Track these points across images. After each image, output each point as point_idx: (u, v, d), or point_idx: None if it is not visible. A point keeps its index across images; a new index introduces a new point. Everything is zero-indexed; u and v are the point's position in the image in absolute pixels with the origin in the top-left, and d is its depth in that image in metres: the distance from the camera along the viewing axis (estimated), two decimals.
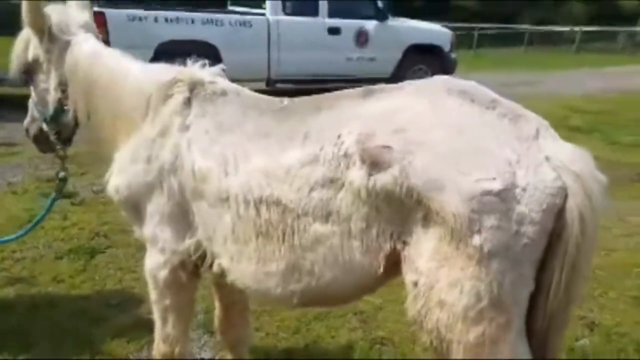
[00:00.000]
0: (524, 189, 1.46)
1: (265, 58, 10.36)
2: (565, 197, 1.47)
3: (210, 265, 2.14)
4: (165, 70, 2.26)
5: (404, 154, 1.57)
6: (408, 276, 1.66)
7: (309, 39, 10.57)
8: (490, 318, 1.52)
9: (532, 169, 1.48)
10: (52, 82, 2.38)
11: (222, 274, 2.11)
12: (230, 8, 12.04)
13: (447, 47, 11.66)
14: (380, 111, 1.70)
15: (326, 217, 1.72)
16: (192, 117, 2.08)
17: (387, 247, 1.68)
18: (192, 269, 2.21)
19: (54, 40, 2.33)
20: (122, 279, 3.91)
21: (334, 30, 10.77)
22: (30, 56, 2.39)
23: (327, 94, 1.98)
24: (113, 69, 2.29)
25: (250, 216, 1.87)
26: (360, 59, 10.93)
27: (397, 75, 11.12)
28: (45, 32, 2.30)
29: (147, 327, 3.24)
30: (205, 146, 2.01)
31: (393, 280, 1.90)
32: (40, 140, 2.59)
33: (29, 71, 2.43)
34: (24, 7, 2.27)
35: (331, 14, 10.79)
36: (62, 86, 2.36)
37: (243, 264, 1.95)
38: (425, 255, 1.59)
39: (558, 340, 1.68)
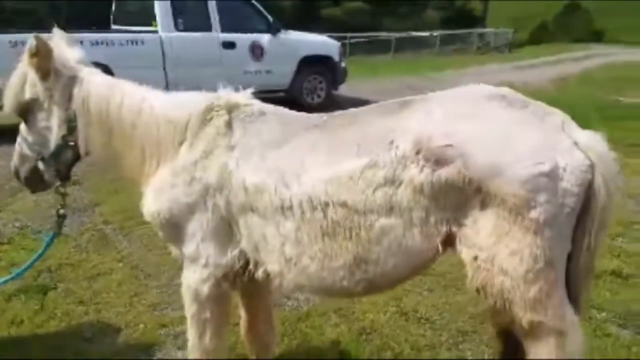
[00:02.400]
0: (564, 169, 1.82)
1: (162, 75, 10.16)
2: (593, 172, 1.85)
3: (252, 274, 2.27)
4: (192, 98, 2.36)
5: (463, 149, 1.85)
6: (465, 252, 1.95)
7: (205, 54, 10.55)
8: (545, 277, 1.86)
9: (568, 153, 1.84)
10: (55, 120, 2.36)
11: (265, 280, 2.27)
12: (114, 27, 11.63)
13: (336, 57, 12.24)
14: (429, 118, 1.96)
15: (389, 212, 1.96)
16: (236, 138, 2.22)
17: (444, 230, 1.96)
18: (233, 279, 2.31)
19: (57, 78, 2.31)
20: (86, 311, 3.77)
21: (229, 45, 10.86)
22: (28, 95, 2.35)
23: (363, 108, 2.22)
24: (134, 100, 2.34)
25: (317, 219, 2.04)
26: (257, 72, 11.12)
27: (295, 86, 11.48)
28: (52, 72, 2.28)
29: (133, 352, 3.26)
30: (255, 163, 2.16)
31: None
32: (33, 181, 2.54)
33: (26, 111, 2.38)
34: (34, 49, 2.22)
35: (224, 29, 10.87)
36: (70, 123, 2.35)
37: (304, 264, 2.11)
38: (484, 233, 1.88)
39: (587, 284, 2.06)
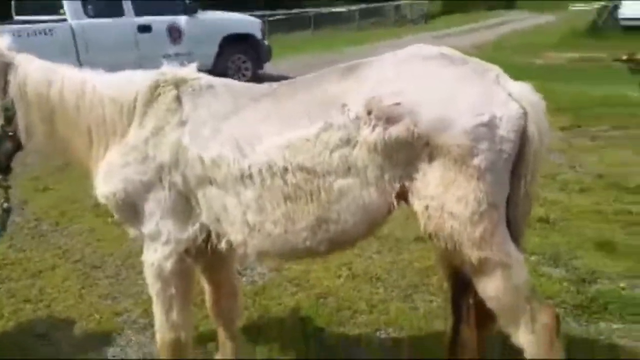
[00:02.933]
0: (501, 119, 1.98)
1: (76, 65, 9.66)
2: (526, 119, 2.02)
3: (214, 246, 2.30)
4: (136, 75, 2.33)
5: (411, 107, 1.97)
6: (417, 204, 2.08)
7: (119, 39, 10.16)
8: (488, 218, 2.02)
9: (504, 104, 2.00)
10: None
11: (229, 251, 2.31)
12: (18, 18, 10.91)
13: (259, 35, 12.14)
14: (376, 80, 2.06)
15: (346, 172, 2.05)
16: (187, 112, 2.22)
17: (397, 186, 2.07)
18: (195, 254, 2.34)
19: None
20: (35, 309, 3.65)
21: (144, 29, 10.52)
22: None
23: (311, 75, 2.27)
24: (75, 82, 2.28)
25: (277, 185, 2.10)
26: (177, 54, 10.80)
27: (218, 67, 11.30)
28: None
29: (92, 342, 3.22)
30: (209, 136, 2.18)
31: None
32: None
33: None
34: None
35: (138, 13, 10.50)
36: (7, 112, 2.28)
37: (267, 230, 2.17)
38: (433, 184, 2.02)
39: (524, 225, 2.25)
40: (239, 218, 2.20)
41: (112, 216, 4.87)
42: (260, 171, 2.11)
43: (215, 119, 2.20)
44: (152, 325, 3.26)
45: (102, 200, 2.33)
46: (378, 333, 3.26)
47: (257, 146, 2.12)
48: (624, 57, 9.89)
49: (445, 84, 2.02)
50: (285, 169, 2.09)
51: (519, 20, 27.60)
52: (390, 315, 3.40)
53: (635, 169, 5.89)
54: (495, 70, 2.09)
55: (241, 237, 2.24)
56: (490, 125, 1.96)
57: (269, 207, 2.14)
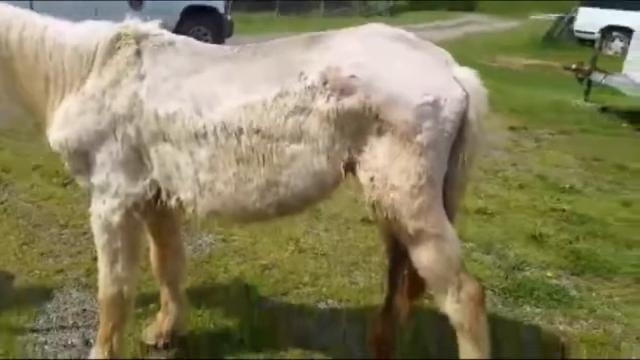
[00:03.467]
0: (445, 100, 2.10)
1: None
2: (467, 102, 2.15)
3: (163, 203, 2.35)
4: (99, 26, 2.32)
5: (366, 81, 2.06)
6: (363, 175, 2.18)
7: (78, 4, 9.81)
8: (427, 192, 2.15)
9: (449, 86, 2.13)
10: None
11: (178, 209, 2.36)
12: None
13: (222, 9, 11.98)
14: (336, 52, 2.14)
15: (299, 138, 2.13)
16: (146, 67, 2.24)
17: (346, 157, 2.17)
18: (144, 209, 2.38)
19: None
20: None
21: None
22: None
23: (273, 42, 2.33)
24: (36, 29, 2.27)
25: (231, 146, 2.16)
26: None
27: None
28: None
29: (31, 296, 3.22)
30: (166, 92, 2.20)
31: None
32: None
33: None
34: None
35: None
36: None
37: (218, 189, 2.23)
38: (380, 157, 2.13)
39: (459, 202, 2.40)
40: (191, 176, 2.25)
41: (57, 176, 4.89)
42: (215, 130, 2.15)
43: (175, 75, 2.23)
44: (94, 285, 3.31)
45: (54, 147, 2.32)
46: (319, 304, 3.38)
47: (214, 106, 2.17)
48: (573, 67, 10.33)
49: (400, 63, 2.13)
50: (240, 130, 2.14)
51: (481, 23, 28.24)
52: (332, 288, 3.53)
53: (572, 171, 6.25)
54: (445, 54, 2.22)
55: (191, 196, 2.29)
56: (435, 105, 2.08)
57: (221, 166, 2.19)
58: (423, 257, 2.23)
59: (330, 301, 3.42)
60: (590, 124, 8.70)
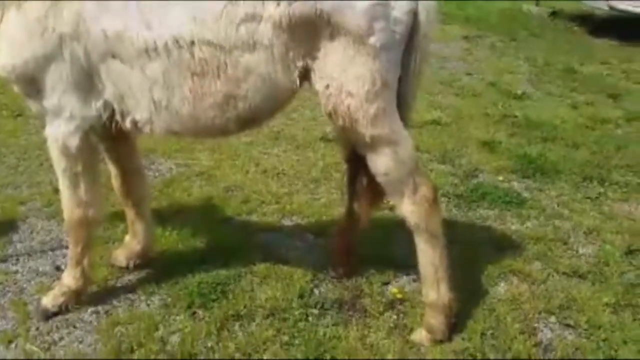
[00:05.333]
0: (395, 0, 2.11)
1: None
2: (417, 4, 2.16)
3: (118, 125, 2.34)
4: None
5: None
6: (319, 83, 2.20)
7: None
8: (382, 96, 2.20)
9: None
10: None
11: (134, 129, 2.35)
12: None
13: None
14: None
15: (252, 48, 2.11)
16: None
17: (300, 65, 2.17)
18: (101, 131, 2.37)
19: None
20: None
21: None
22: None
23: None
24: None
25: (184, 59, 2.13)
26: None
27: None
28: None
29: None
30: (112, 8, 2.13)
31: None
32: None
33: None
34: None
35: None
36: None
37: (175, 107, 2.22)
38: (333, 63, 2.14)
39: (412, 105, 2.46)
40: (145, 95, 2.22)
41: (7, 109, 4.72)
42: (166, 44, 2.11)
43: None
44: (57, 215, 3.32)
45: (2, 72, 2.27)
46: (283, 220, 3.50)
47: (162, 18, 2.11)
48: None
49: None
50: (192, 42, 2.10)
51: None
52: (294, 205, 3.63)
53: (524, 77, 6.40)
54: None
55: (147, 115, 2.28)
56: (386, 6, 2.09)
57: (175, 82, 2.17)
58: (380, 163, 2.31)
59: (294, 217, 3.53)
60: (540, 29, 8.81)
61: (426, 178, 2.46)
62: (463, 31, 8.30)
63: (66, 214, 2.53)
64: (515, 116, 5.17)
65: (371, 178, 2.46)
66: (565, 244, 3.34)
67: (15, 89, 2.35)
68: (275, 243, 3.25)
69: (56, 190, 3.53)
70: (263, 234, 3.34)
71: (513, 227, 3.48)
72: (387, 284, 2.90)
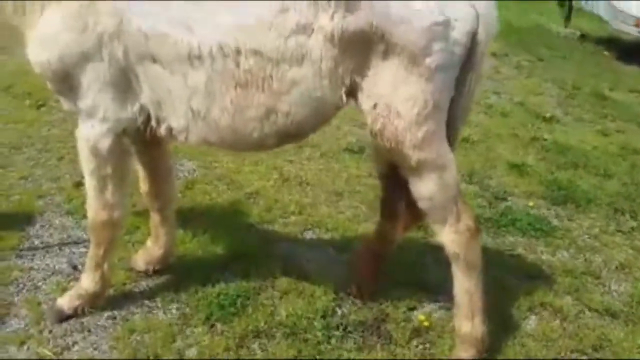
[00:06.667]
0: (455, 20, 2.00)
1: None
2: (478, 22, 2.04)
3: (153, 130, 2.25)
4: None
5: None
6: (366, 101, 2.09)
7: None
8: (432, 119, 2.09)
9: (459, 4, 2.02)
10: None
11: (169, 135, 2.26)
12: None
13: None
14: None
15: (300, 61, 2.00)
16: None
17: (348, 81, 2.06)
18: (134, 134, 2.29)
19: None
20: None
21: None
22: None
23: None
24: None
25: (229, 68, 2.02)
26: None
27: None
28: None
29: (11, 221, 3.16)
30: (155, 8, 2.04)
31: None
32: None
33: None
34: None
35: None
36: None
37: (214, 117, 2.12)
38: (383, 82, 2.03)
39: (462, 128, 2.38)
40: (184, 102, 2.13)
41: (30, 98, 4.65)
42: (210, 51, 2.02)
43: None
44: (76, 211, 3.25)
45: (36, 68, 2.19)
46: (306, 233, 3.39)
47: (208, 24, 2.02)
48: None
49: None
50: (238, 51, 2.00)
51: None
52: (317, 217, 3.53)
53: (552, 99, 6.27)
54: None
55: (184, 123, 2.19)
56: (446, 25, 1.98)
57: (217, 92, 2.07)
58: (424, 188, 2.21)
59: (316, 230, 3.42)
60: (569, 51, 8.67)
61: (468, 206, 2.36)
62: (491, 48, 8.15)
63: (90, 215, 2.44)
64: (545, 139, 5.04)
65: (410, 200, 2.35)
66: (597, 278, 3.22)
67: (49, 85, 2.26)
68: (297, 255, 3.14)
69: (76, 185, 3.51)
70: (284, 245, 3.24)
71: (543, 257, 3.36)
72: (413, 309, 2.79)
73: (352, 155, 4.39)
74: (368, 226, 3.39)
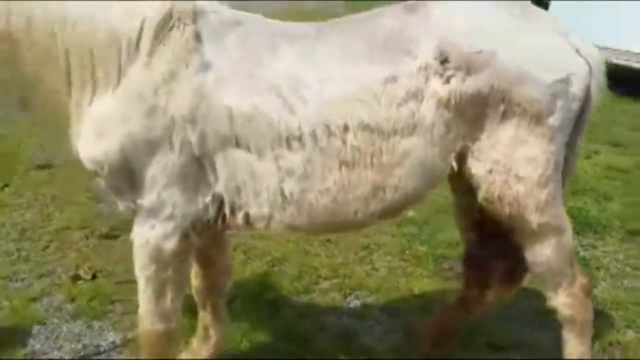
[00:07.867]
0: (573, 74, 1.86)
1: None
2: (590, 76, 1.91)
3: (225, 220, 1.92)
4: (139, 4, 1.74)
5: (491, 56, 1.74)
6: (478, 166, 1.90)
7: None
8: (553, 179, 1.93)
9: (575, 60, 1.88)
10: None
11: (245, 223, 1.93)
12: None
13: None
14: (442, 22, 1.79)
15: (412, 130, 1.78)
16: (210, 53, 1.74)
17: (459, 146, 1.87)
18: (201, 229, 1.93)
19: None
20: None
21: None
22: None
23: (358, 16, 1.92)
24: (52, 4, 1.66)
25: (334, 147, 1.77)
26: None
27: None
28: None
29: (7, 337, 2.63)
30: (241, 84, 1.75)
31: None
32: None
33: None
34: None
35: None
36: None
37: (309, 201, 1.84)
38: (501, 145, 1.85)
39: (568, 180, 2.18)
40: (272, 187, 1.83)
41: None
42: (314, 130, 1.75)
43: (248, 62, 1.77)
44: (84, 312, 2.76)
45: (88, 164, 1.80)
46: (349, 299, 3.09)
47: (307, 99, 1.75)
48: None
49: (522, 34, 1.85)
50: (346, 128, 1.75)
51: None
52: (354, 279, 3.24)
53: None
54: (564, 25, 1.96)
55: (267, 210, 1.88)
56: (567, 82, 1.85)
57: (318, 174, 1.80)
58: (542, 253, 2.05)
59: (358, 293, 3.13)
60: None
61: (579, 266, 2.21)
62: None
63: (145, 327, 2.03)
64: None
65: (509, 267, 2.19)
66: None
67: (102, 184, 1.88)
68: (349, 328, 2.83)
69: (74, 279, 3.00)
70: (330, 318, 2.91)
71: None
72: None
73: None
74: (407, 281, 3.21)
